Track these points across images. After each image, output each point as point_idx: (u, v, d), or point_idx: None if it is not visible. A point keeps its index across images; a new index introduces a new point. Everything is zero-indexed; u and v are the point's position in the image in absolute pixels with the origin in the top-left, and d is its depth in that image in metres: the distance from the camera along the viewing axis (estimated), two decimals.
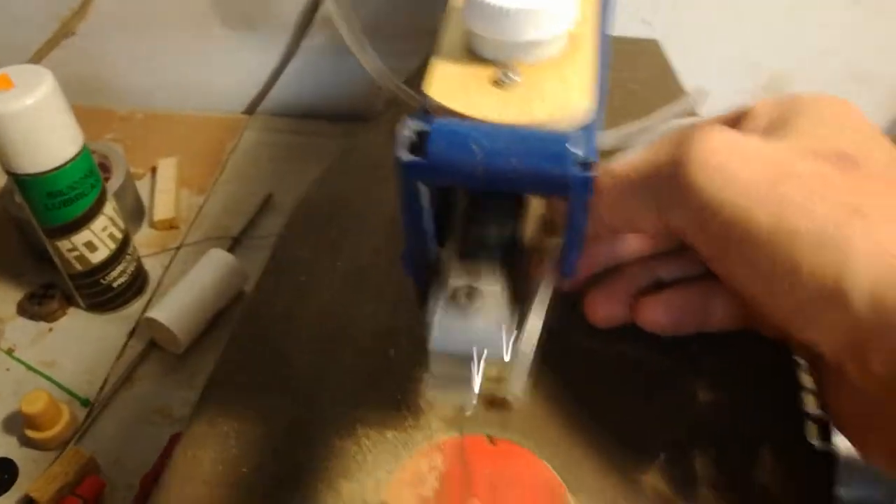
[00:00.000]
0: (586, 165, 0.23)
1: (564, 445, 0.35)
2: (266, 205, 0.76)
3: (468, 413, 0.26)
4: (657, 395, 0.37)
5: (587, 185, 0.24)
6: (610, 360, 0.38)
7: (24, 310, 0.69)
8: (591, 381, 0.38)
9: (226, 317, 0.66)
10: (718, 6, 0.75)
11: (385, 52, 0.51)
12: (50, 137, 0.57)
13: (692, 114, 0.52)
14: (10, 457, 0.59)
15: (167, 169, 0.79)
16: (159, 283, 0.70)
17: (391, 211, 0.44)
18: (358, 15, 0.50)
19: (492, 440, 0.36)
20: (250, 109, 0.89)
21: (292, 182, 0.78)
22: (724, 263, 0.30)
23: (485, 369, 0.25)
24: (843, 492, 0.34)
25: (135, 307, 0.69)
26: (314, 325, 0.41)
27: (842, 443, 0.35)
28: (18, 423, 0.60)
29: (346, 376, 0.38)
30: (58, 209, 0.60)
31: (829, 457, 0.35)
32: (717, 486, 0.34)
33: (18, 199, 0.68)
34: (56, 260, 0.64)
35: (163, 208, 0.75)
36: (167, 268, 0.72)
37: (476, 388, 0.25)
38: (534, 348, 0.27)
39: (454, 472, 0.34)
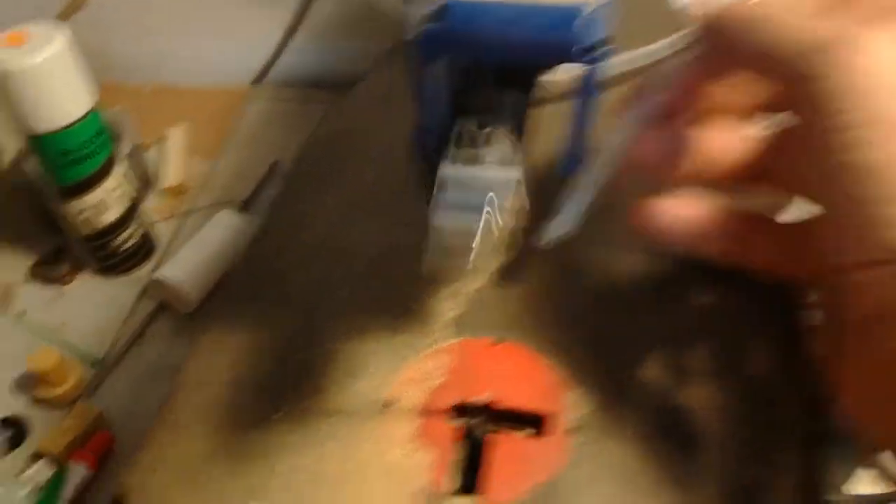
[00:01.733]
0: (593, 44, 0.24)
1: (566, 343, 0.36)
2: (273, 171, 0.76)
3: (466, 264, 0.26)
4: (659, 298, 0.37)
5: (591, 56, 0.24)
6: (619, 265, 0.38)
7: (35, 274, 0.69)
8: (593, 284, 0.38)
9: None
10: None
11: None
12: (62, 94, 0.58)
13: None
14: (20, 416, 0.59)
15: (176, 136, 0.79)
16: (168, 247, 0.71)
17: (391, 141, 0.44)
18: None
19: (495, 342, 0.36)
20: (257, 80, 0.89)
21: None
22: (813, 166, 0.28)
23: (503, 202, 0.26)
24: None
25: (144, 270, 0.69)
26: (316, 246, 0.42)
27: None
28: (30, 384, 0.60)
29: (348, 288, 0.39)
30: (70, 167, 0.60)
31: None
32: (708, 375, 0.35)
33: (29, 165, 0.69)
34: (68, 222, 0.64)
35: (172, 174, 0.76)
36: (176, 232, 0.72)
37: (479, 230, 0.25)
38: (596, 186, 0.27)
39: (458, 370, 0.34)
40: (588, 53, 0.24)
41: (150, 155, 0.78)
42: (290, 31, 0.85)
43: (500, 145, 0.27)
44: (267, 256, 0.42)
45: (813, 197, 0.29)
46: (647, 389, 0.34)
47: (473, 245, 0.25)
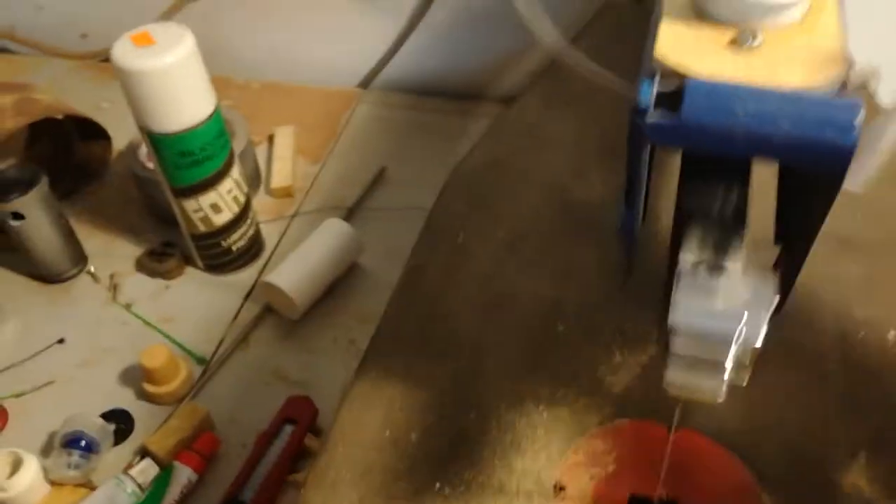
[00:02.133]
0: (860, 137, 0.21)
1: (758, 441, 0.33)
2: (380, 178, 0.76)
3: (719, 400, 0.24)
4: (855, 392, 0.35)
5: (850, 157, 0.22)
6: (805, 352, 0.36)
7: (142, 266, 0.70)
8: (780, 370, 0.36)
9: (341, 286, 0.66)
10: None
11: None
12: (187, 97, 0.58)
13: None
14: (126, 409, 0.60)
15: (284, 137, 0.80)
16: (275, 250, 0.71)
17: (549, 177, 0.43)
18: None
19: (670, 427, 0.34)
20: (364, 83, 0.89)
21: (406, 157, 0.78)
22: None
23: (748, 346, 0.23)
24: None
25: (250, 271, 0.69)
26: (474, 288, 0.41)
27: None
28: (136, 377, 0.61)
29: (510, 345, 0.38)
30: (188, 168, 0.61)
31: None
32: None
33: (142, 157, 0.69)
34: (180, 220, 0.65)
35: (280, 175, 0.76)
36: (283, 234, 0.72)
37: (727, 374, 0.23)
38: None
39: (630, 456, 0.32)
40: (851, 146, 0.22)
41: (258, 153, 0.78)
42: (403, 37, 0.84)
43: (740, 255, 0.24)
44: (426, 291, 0.41)
45: None
46: (845, 500, 0.32)
47: (724, 379, 0.23)
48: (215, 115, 0.60)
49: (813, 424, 0.34)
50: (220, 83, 0.84)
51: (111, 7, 0.86)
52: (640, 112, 0.22)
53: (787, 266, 0.26)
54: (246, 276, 0.69)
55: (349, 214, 0.72)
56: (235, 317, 0.66)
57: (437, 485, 0.32)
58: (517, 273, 0.38)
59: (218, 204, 0.63)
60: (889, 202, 0.43)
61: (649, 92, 0.22)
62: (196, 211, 0.63)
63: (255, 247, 0.69)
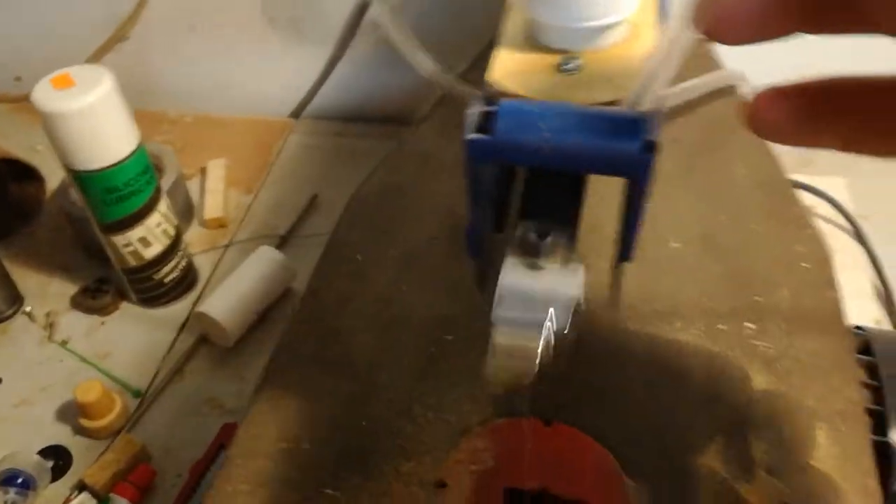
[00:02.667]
0: (651, 147, 0.24)
1: (622, 430, 0.36)
2: (312, 205, 0.77)
3: (527, 381, 0.26)
4: (713, 379, 0.37)
5: (650, 167, 0.25)
6: (665, 343, 0.39)
7: (77, 303, 0.71)
8: (644, 364, 0.38)
9: (275, 313, 0.68)
10: None
11: (433, 53, 0.52)
12: (109, 135, 0.59)
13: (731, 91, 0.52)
14: (64, 445, 0.61)
15: (216, 169, 0.81)
16: (209, 280, 0.72)
17: (444, 201, 0.45)
18: (406, 18, 0.50)
19: (547, 422, 0.36)
20: (296, 113, 0.90)
21: (337, 183, 0.79)
22: None
23: (565, 313, 0.25)
24: None
25: (184, 303, 0.71)
26: (370, 307, 0.43)
27: None
28: (72, 413, 0.62)
29: (402, 358, 0.40)
30: (114, 205, 0.62)
31: (888, 450, 0.35)
32: (771, 469, 0.34)
33: (74, 196, 0.70)
34: (111, 255, 0.66)
35: (212, 207, 0.77)
36: (217, 265, 0.74)
37: (540, 350, 0.25)
38: None
39: (509, 452, 0.34)
40: (646, 161, 0.24)
41: (191, 186, 0.80)
42: (330, 67, 0.86)
43: (559, 254, 0.27)
44: (325, 313, 0.43)
45: None
46: (707, 484, 0.34)
47: (536, 360, 0.25)
48: (139, 152, 0.61)
49: (675, 413, 0.36)
50: (153, 118, 0.86)
51: (44, 50, 0.87)
52: (464, 132, 0.24)
53: (618, 259, 0.29)
54: (180, 307, 0.70)
55: (282, 242, 0.74)
56: (170, 348, 0.67)
57: (328, 490, 0.34)
58: (410, 291, 0.40)
59: (147, 238, 0.65)
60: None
61: (474, 113, 0.24)
62: (126, 245, 0.64)
63: (188, 278, 0.71)
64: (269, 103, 0.90)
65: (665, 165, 0.49)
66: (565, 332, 0.26)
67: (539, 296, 0.25)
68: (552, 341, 0.25)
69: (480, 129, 0.24)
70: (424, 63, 0.51)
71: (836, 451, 0.35)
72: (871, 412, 0.37)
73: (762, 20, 0.24)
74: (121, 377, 0.65)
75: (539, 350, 0.25)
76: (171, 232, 0.67)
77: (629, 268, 0.38)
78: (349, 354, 0.40)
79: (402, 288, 0.41)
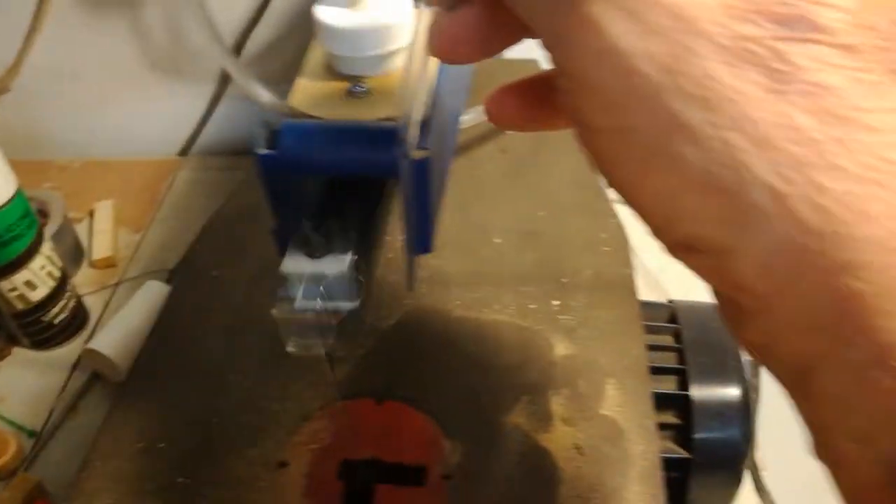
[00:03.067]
0: (404, 152, 0.28)
1: (440, 400, 0.40)
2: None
3: (326, 346, 0.30)
4: (521, 349, 0.42)
5: (408, 169, 0.29)
6: (485, 323, 0.43)
7: None
8: (466, 343, 0.43)
9: None
10: None
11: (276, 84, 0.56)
12: None
13: None
14: None
15: (103, 210, 0.83)
16: (100, 319, 0.74)
17: None
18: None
19: (377, 402, 0.40)
20: (184, 151, 0.93)
21: None
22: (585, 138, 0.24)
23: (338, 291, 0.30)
24: (698, 435, 0.39)
25: (76, 343, 0.72)
26: (224, 317, 0.46)
27: (696, 391, 0.40)
28: None
29: (253, 360, 0.43)
30: None
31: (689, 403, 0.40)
32: (567, 420, 0.39)
33: None
34: None
35: (100, 247, 0.79)
36: (107, 303, 0.75)
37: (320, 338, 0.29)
38: None
39: (343, 431, 0.38)
40: (412, 163, 0.28)
41: (80, 229, 0.81)
42: (214, 102, 0.89)
43: (336, 243, 0.31)
44: (180, 326, 0.46)
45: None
46: (512, 437, 0.39)
47: (317, 331, 0.30)
48: (17, 198, 0.63)
49: (488, 381, 0.41)
50: (40, 167, 0.87)
51: None
52: (255, 148, 0.28)
53: (410, 251, 0.33)
54: (73, 347, 0.72)
55: (171, 276, 0.76)
56: (63, 388, 0.68)
57: (179, 480, 0.37)
58: (262, 300, 0.44)
59: (32, 281, 0.66)
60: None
61: (262, 132, 0.28)
62: (11, 290, 0.66)
63: (78, 318, 0.72)
64: (156, 144, 0.92)
65: (494, 174, 0.54)
66: (353, 306, 0.30)
67: (310, 277, 0.30)
68: (327, 311, 0.29)
69: (269, 146, 0.28)
70: (262, 95, 0.55)
71: (621, 399, 0.40)
72: (676, 371, 0.43)
73: (482, 40, 0.27)
74: (15, 419, 0.66)
75: (311, 317, 0.29)
76: (57, 274, 0.68)
77: (459, 262, 0.43)
78: (201, 361, 0.44)
79: (253, 299, 0.44)
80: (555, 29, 0.23)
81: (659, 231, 0.22)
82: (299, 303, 0.30)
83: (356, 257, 0.31)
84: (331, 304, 0.30)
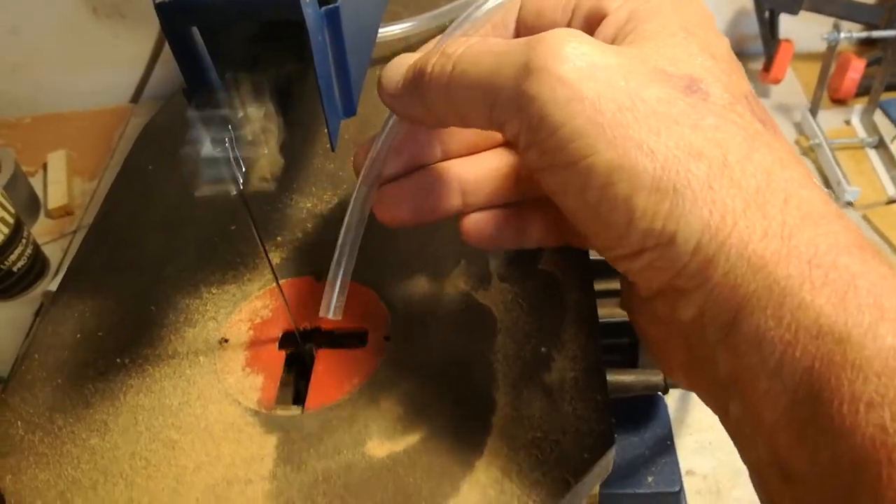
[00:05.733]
0: None
1: (379, 269, 0.40)
2: None
3: (239, 188, 0.30)
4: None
5: (324, 18, 0.28)
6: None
7: None
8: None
9: None
10: None
11: None
12: None
13: None
14: None
15: (57, 160, 0.82)
16: (59, 266, 0.73)
17: None
18: None
19: (316, 279, 0.40)
20: (135, 98, 0.92)
21: None
22: (554, 181, 0.28)
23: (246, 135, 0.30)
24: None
25: (39, 290, 0.72)
26: (160, 216, 0.45)
27: None
28: None
29: (190, 251, 0.43)
30: None
31: None
32: (503, 277, 0.39)
33: None
34: None
35: (55, 196, 0.78)
36: (66, 251, 0.75)
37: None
38: None
39: (284, 306, 0.38)
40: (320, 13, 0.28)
41: (36, 182, 0.81)
42: (159, 45, 0.88)
43: (246, 90, 0.30)
44: (116, 227, 0.46)
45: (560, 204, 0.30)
46: (451, 296, 0.39)
47: (224, 172, 0.29)
48: None
49: (429, 250, 0.40)
50: None
51: None
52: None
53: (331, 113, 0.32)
54: (35, 295, 0.71)
55: None
56: (28, 334, 0.68)
57: (118, 360, 0.37)
58: (197, 202, 0.43)
59: None
60: None
61: None
62: None
63: (37, 266, 0.72)
64: (106, 92, 0.91)
65: None
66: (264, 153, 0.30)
67: (217, 123, 0.29)
68: (233, 157, 0.29)
69: None
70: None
71: (559, 256, 0.40)
72: None
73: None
74: None
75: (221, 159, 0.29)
76: (11, 220, 0.68)
77: None
78: (138, 257, 0.43)
79: (189, 197, 0.44)
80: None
81: (620, 239, 0.27)
82: (206, 148, 0.29)
83: (267, 107, 0.30)
84: (240, 152, 0.29)
